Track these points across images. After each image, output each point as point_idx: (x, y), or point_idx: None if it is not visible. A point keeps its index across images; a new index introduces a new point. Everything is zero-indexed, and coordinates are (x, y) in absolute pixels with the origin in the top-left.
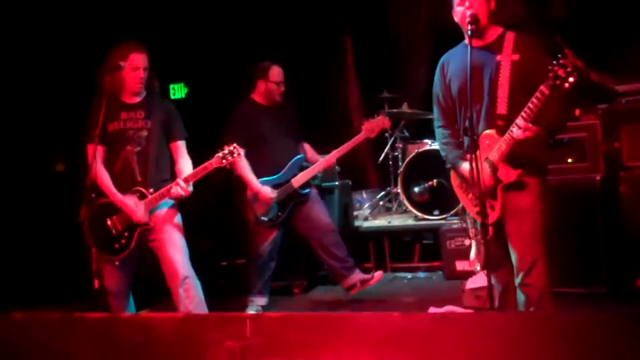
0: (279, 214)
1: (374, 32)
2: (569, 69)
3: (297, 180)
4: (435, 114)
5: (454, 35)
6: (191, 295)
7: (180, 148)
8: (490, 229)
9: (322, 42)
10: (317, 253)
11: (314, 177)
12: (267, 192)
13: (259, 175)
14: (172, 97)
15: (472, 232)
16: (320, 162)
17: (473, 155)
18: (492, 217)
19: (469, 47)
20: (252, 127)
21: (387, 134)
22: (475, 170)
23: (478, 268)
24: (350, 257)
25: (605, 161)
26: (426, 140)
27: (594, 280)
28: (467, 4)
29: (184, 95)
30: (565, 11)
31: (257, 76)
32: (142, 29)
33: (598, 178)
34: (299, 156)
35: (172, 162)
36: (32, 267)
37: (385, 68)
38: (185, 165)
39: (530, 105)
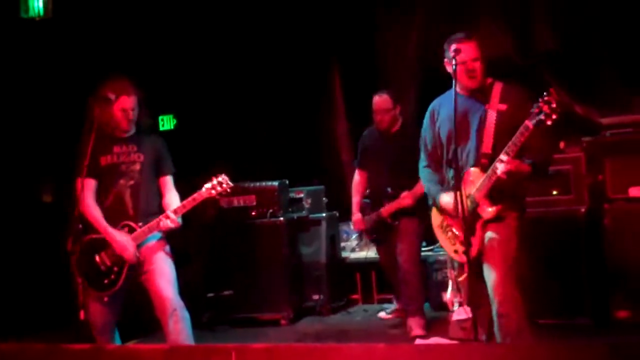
0: (373, 235)
1: (362, 64)
2: (553, 105)
3: (385, 210)
4: (422, 155)
5: (440, 69)
6: (180, 328)
7: (169, 182)
8: (466, 267)
9: (311, 75)
10: None
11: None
12: (356, 220)
13: (368, 196)
14: (161, 128)
15: (450, 272)
16: (396, 202)
17: (458, 191)
18: (471, 253)
19: (456, 95)
20: (365, 152)
21: None
22: (459, 203)
23: (456, 307)
24: (413, 301)
25: (590, 193)
26: None
27: (578, 312)
28: (467, 65)
29: (172, 127)
30: (550, 43)
31: None
32: (131, 60)
33: (582, 210)
34: (387, 189)
35: (160, 196)
36: (18, 297)
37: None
38: (173, 199)
39: (514, 140)
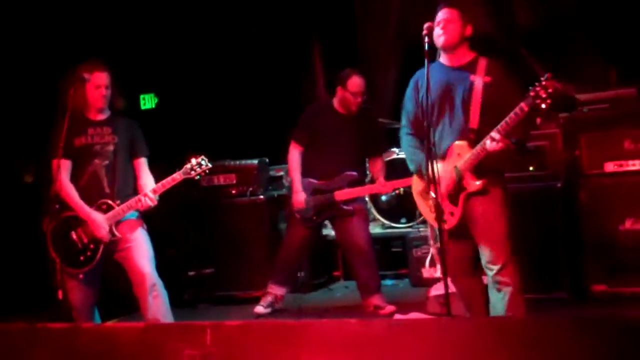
0: (314, 217)
1: (342, 43)
2: (549, 90)
3: (341, 194)
4: (404, 122)
5: (421, 46)
6: (159, 303)
7: (144, 164)
8: (446, 235)
9: (291, 53)
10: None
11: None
12: (299, 199)
13: (310, 175)
14: (142, 107)
15: (431, 239)
16: (371, 187)
17: (429, 164)
18: (451, 223)
19: (442, 66)
20: (317, 128)
21: None
22: (432, 176)
23: (438, 273)
24: (375, 280)
25: (566, 169)
26: (393, 149)
27: (555, 286)
28: (441, 25)
29: (154, 106)
30: (529, 21)
31: (337, 82)
32: (112, 40)
33: (559, 186)
34: (351, 173)
35: (135, 178)
36: None
37: None
38: (147, 181)
39: (507, 120)
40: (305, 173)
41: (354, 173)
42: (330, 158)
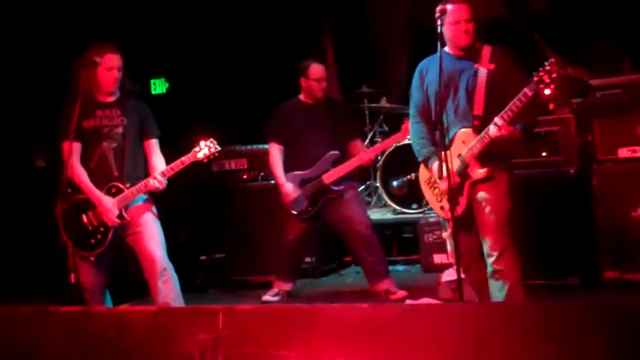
0: (309, 208)
1: (354, 27)
2: (553, 75)
3: (329, 176)
4: (412, 112)
5: (432, 31)
6: (169, 287)
7: (154, 146)
8: (451, 224)
9: (302, 38)
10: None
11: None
12: (288, 190)
13: (293, 170)
14: (153, 92)
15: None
16: (355, 159)
17: (443, 152)
18: (457, 211)
19: (447, 55)
20: (289, 124)
21: (366, 129)
22: (445, 166)
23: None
24: (382, 264)
25: (579, 154)
26: None
27: (567, 272)
28: (461, 25)
29: (165, 90)
30: (542, 5)
31: (298, 75)
32: (123, 24)
33: (572, 171)
34: (332, 152)
35: (146, 160)
36: (8, 261)
37: (365, 63)
38: (158, 162)
39: (512, 106)
40: (289, 169)
41: (336, 152)
42: (309, 149)
